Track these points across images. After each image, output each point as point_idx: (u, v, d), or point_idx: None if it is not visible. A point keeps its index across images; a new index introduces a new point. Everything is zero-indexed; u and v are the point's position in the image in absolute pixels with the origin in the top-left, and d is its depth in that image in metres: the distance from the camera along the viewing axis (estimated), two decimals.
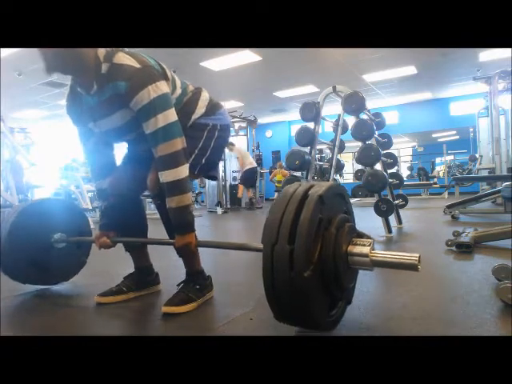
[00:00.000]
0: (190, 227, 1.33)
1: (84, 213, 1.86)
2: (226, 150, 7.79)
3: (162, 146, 1.25)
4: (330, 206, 0.98)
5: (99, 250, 1.52)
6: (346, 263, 0.99)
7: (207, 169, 1.50)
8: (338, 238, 0.97)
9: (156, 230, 1.71)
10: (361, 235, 1.04)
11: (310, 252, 0.89)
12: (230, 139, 7.62)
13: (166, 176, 1.26)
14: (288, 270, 0.87)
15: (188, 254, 1.39)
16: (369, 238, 1.03)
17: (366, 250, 0.98)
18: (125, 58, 1.23)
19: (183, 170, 1.27)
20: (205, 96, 1.49)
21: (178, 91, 1.40)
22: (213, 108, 1.49)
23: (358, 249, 0.99)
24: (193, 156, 1.40)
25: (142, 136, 1.31)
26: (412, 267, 0.94)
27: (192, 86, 1.50)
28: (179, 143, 1.26)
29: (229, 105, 9.13)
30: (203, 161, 1.45)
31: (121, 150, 1.59)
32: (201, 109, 1.45)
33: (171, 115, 1.26)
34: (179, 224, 1.31)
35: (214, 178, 1.61)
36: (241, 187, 8.03)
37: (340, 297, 1.06)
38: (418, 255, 0.95)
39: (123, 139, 1.45)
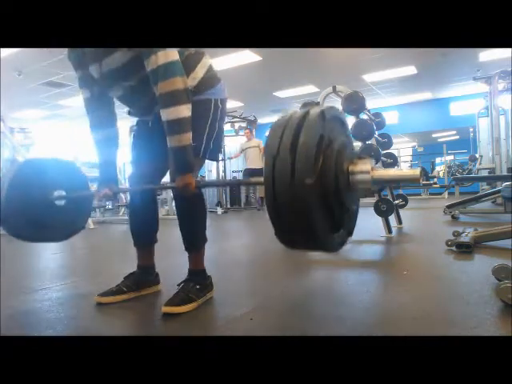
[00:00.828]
0: (190, 167, 1.32)
1: (82, 171, 1.84)
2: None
3: (162, 84, 1.24)
4: (331, 126, 0.96)
5: (100, 201, 1.53)
6: (347, 181, 0.97)
7: (214, 152, 1.48)
8: (339, 156, 0.95)
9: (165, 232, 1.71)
10: (362, 158, 1.04)
11: (311, 163, 0.87)
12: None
13: (167, 114, 1.26)
14: (289, 178, 0.85)
15: (187, 194, 1.35)
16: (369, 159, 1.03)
17: (367, 167, 0.97)
18: None
19: (184, 110, 1.27)
20: (205, 62, 1.46)
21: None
22: (211, 78, 1.46)
23: (359, 166, 0.98)
24: (203, 143, 1.40)
25: (142, 88, 1.32)
26: (414, 180, 0.95)
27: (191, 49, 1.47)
28: (180, 82, 1.25)
29: (229, 105, 9.08)
30: (211, 145, 1.45)
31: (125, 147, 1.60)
32: (199, 73, 1.42)
33: (172, 54, 1.25)
34: (179, 164, 1.31)
35: (217, 159, 1.62)
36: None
37: (341, 218, 1.03)
38: (419, 169, 0.96)
39: (121, 87, 1.42)
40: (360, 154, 1.07)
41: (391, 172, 0.98)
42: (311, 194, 0.87)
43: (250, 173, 7.45)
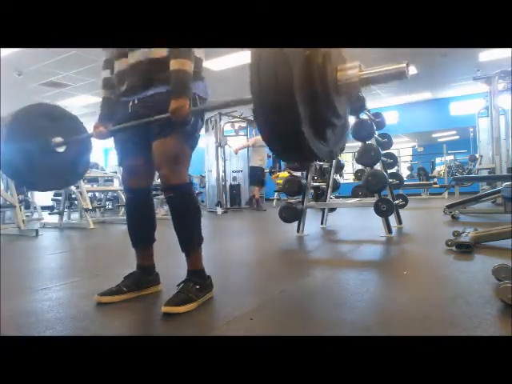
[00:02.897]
0: (187, 91, 1.33)
1: (76, 117, 1.83)
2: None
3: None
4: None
5: (96, 138, 1.56)
6: (335, 80, 0.96)
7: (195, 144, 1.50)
8: (326, 57, 0.95)
9: (164, 230, 1.71)
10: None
11: (297, 55, 0.87)
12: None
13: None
14: (274, 75, 0.85)
15: (181, 118, 1.33)
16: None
17: (354, 67, 0.98)
18: None
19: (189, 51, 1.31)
20: (199, 52, 1.46)
21: None
22: (196, 73, 1.43)
23: (346, 65, 0.99)
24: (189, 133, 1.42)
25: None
26: (400, 74, 0.94)
27: None
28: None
29: None
30: (196, 138, 1.48)
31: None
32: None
33: None
34: (177, 85, 1.32)
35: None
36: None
37: (331, 123, 1.02)
38: (405, 62, 0.96)
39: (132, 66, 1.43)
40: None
41: (377, 69, 0.97)
42: (295, 88, 0.85)
43: (261, 172, 7.37)
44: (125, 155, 1.56)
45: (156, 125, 1.37)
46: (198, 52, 1.45)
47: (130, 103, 1.46)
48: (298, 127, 0.88)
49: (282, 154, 0.98)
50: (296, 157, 1.01)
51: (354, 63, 0.98)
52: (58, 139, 1.66)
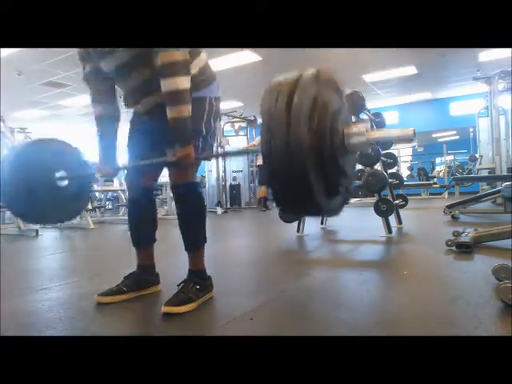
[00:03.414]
0: (189, 138, 1.33)
1: (82, 154, 1.85)
2: None
3: (163, 55, 1.25)
4: (325, 89, 0.96)
5: (101, 178, 1.56)
6: (343, 142, 0.97)
7: (209, 147, 1.50)
8: (334, 119, 0.95)
9: (165, 230, 1.71)
10: (357, 121, 1.04)
11: (306, 121, 0.87)
12: None
13: (167, 85, 1.27)
14: (285, 138, 0.85)
15: (187, 165, 1.37)
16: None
17: (362, 128, 0.97)
18: None
19: (183, 81, 1.27)
20: (202, 58, 1.46)
21: None
22: (207, 76, 1.47)
23: (354, 128, 0.98)
24: (199, 141, 1.41)
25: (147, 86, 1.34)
26: (407, 139, 0.96)
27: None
28: (180, 54, 1.26)
29: (229, 105, 9.13)
30: (208, 143, 1.46)
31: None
32: (195, 68, 1.41)
33: None
34: (179, 135, 1.32)
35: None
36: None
37: (338, 182, 1.03)
38: (413, 128, 0.97)
39: (130, 82, 1.43)
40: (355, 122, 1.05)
41: (385, 132, 0.99)
42: (307, 153, 0.86)
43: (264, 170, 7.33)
44: (134, 154, 1.57)
45: (169, 134, 1.36)
46: (200, 60, 1.45)
47: (145, 112, 1.49)
48: (311, 194, 0.91)
49: (291, 212, 1.00)
50: (305, 215, 1.03)
51: (361, 125, 0.98)
52: (61, 173, 1.68)
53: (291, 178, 0.88)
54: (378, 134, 0.98)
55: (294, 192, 0.93)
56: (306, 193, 0.90)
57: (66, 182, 1.68)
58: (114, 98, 1.56)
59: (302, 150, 0.85)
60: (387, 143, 3.72)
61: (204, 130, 1.42)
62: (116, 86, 1.54)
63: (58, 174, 1.65)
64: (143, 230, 1.61)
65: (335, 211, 1.04)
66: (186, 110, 1.29)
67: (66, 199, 1.70)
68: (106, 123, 1.55)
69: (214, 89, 1.48)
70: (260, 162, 7.34)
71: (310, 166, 0.88)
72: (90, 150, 1.85)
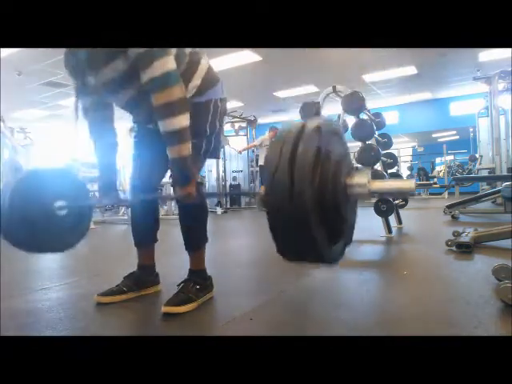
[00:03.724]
0: (190, 178, 1.32)
1: (84, 182, 1.85)
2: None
3: (159, 95, 1.23)
4: (327, 139, 0.98)
5: (104, 206, 1.56)
6: (345, 193, 0.99)
7: (215, 150, 1.49)
8: (336, 169, 0.97)
9: (165, 230, 1.71)
10: (359, 170, 1.06)
11: (309, 174, 0.89)
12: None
13: (165, 125, 1.25)
14: (288, 188, 0.87)
15: (189, 201, 1.36)
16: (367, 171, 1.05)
17: (364, 179, 1.00)
18: None
19: (182, 119, 1.25)
20: (204, 65, 1.45)
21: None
22: (211, 80, 1.46)
23: (356, 179, 1.00)
24: (203, 143, 1.40)
25: (142, 101, 1.31)
26: (408, 191, 0.99)
27: (188, 52, 1.43)
28: (178, 91, 1.23)
29: (229, 105, 9.10)
30: (212, 144, 1.46)
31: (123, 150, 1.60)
32: (198, 79, 1.41)
33: (169, 62, 1.23)
34: (180, 175, 1.31)
35: (219, 156, 1.61)
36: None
37: (339, 229, 1.05)
38: (414, 180, 1.01)
39: (120, 96, 1.41)
40: (358, 165, 1.10)
41: (387, 184, 1.02)
42: (310, 207, 0.89)
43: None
44: (139, 155, 1.57)
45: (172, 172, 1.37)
46: (204, 59, 1.45)
47: (150, 126, 1.49)
48: (314, 245, 0.94)
49: (293, 261, 1.04)
50: (306, 262, 1.06)
51: (362, 176, 1.00)
52: (60, 203, 1.67)
53: (294, 226, 0.91)
54: (379, 185, 1.02)
55: (296, 242, 0.95)
56: (308, 244, 0.93)
57: (65, 211, 1.69)
58: (112, 127, 1.53)
59: (305, 202, 0.88)
60: (387, 143, 3.73)
61: (208, 131, 1.43)
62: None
63: (57, 204, 1.66)
64: (145, 230, 1.61)
65: (337, 258, 1.07)
66: (186, 148, 1.27)
67: (65, 228, 1.71)
68: (107, 155, 1.53)
69: (218, 90, 1.48)
70: (262, 162, 7.37)
71: (312, 217, 0.90)
72: (90, 150, 1.85)
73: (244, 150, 7.96)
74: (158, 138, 1.43)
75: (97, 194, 1.61)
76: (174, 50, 1.34)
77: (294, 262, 1.04)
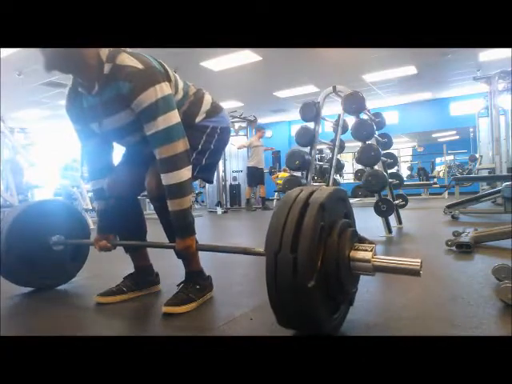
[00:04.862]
0: (191, 230, 1.33)
1: (83, 215, 1.86)
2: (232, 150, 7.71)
3: (163, 149, 1.24)
4: (330, 211, 0.98)
5: (99, 252, 1.52)
6: (349, 269, 0.99)
7: (205, 170, 1.48)
8: (340, 244, 0.97)
9: (155, 230, 1.71)
10: (362, 240, 1.04)
11: (312, 260, 0.90)
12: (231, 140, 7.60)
13: (168, 179, 1.26)
14: (292, 279, 0.87)
15: (188, 257, 1.40)
16: (371, 243, 1.03)
17: (368, 255, 0.98)
18: (128, 58, 1.22)
19: (185, 173, 1.27)
20: (207, 100, 1.48)
21: (180, 93, 1.39)
22: (214, 110, 1.49)
23: (360, 254, 0.99)
24: (192, 157, 1.38)
25: (144, 138, 1.31)
26: (414, 273, 0.95)
27: (194, 86, 1.48)
28: (181, 145, 1.26)
29: (229, 105, 9.13)
30: (203, 162, 1.44)
31: (119, 150, 1.59)
32: (202, 114, 1.45)
33: (173, 117, 1.25)
34: (180, 227, 1.31)
35: (211, 181, 1.59)
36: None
37: (343, 300, 1.07)
38: (419, 261, 0.95)
39: (125, 140, 1.44)
40: (360, 237, 1.08)
41: (391, 262, 0.99)
42: (314, 296, 0.89)
43: (254, 171, 7.42)
44: (121, 163, 1.55)
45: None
46: (205, 105, 1.46)
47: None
48: (316, 321, 0.95)
49: (288, 327, 1.05)
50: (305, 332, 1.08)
51: (366, 250, 0.99)
52: (57, 238, 1.68)
53: (295, 307, 0.91)
54: (383, 263, 0.98)
55: (299, 321, 0.96)
56: (308, 318, 0.93)
57: (62, 247, 1.69)
58: (111, 171, 1.51)
59: (307, 293, 0.88)
60: (387, 143, 3.73)
61: (200, 148, 1.42)
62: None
63: (54, 238, 1.66)
64: (131, 236, 1.56)
65: (338, 327, 1.07)
66: (187, 201, 1.29)
67: (62, 263, 1.72)
68: (105, 197, 1.49)
69: (220, 118, 1.49)
70: (251, 163, 7.42)
71: (315, 301, 0.90)
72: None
73: (240, 147, 7.99)
74: (145, 158, 1.42)
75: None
76: (180, 93, 1.38)
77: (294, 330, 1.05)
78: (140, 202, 1.69)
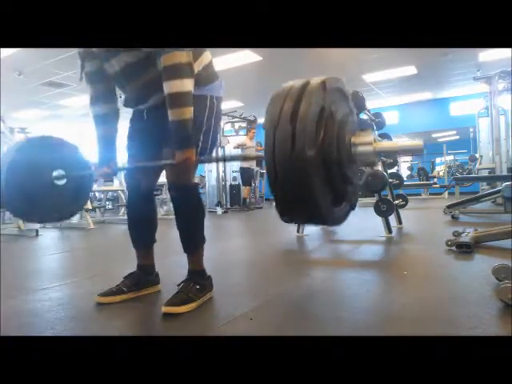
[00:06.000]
0: (190, 142, 1.31)
1: (81, 152, 1.84)
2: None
3: (167, 56, 1.25)
4: (332, 97, 0.95)
5: (100, 178, 1.54)
6: (349, 152, 0.96)
7: (211, 148, 1.48)
8: (341, 128, 0.94)
9: (164, 230, 1.71)
10: (365, 129, 1.02)
11: (311, 135, 0.86)
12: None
13: (169, 87, 1.26)
14: (290, 149, 0.84)
15: (186, 169, 1.36)
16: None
17: (369, 138, 0.96)
18: None
19: (187, 83, 1.27)
20: (207, 56, 1.45)
21: None
22: (211, 76, 1.46)
23: (361, 138, 0.97)
24: (201, 136, 1.39)
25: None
26: (417, 150, 0.94)
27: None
28: (184, 56, 1.26)
29: (229, 105, 9.13)
30: (209, 141, 1.44)
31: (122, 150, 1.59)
32: (199, 65, 1.40)
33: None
34: (180, 138, 1.30)
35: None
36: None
37: (343, 191, 1.02)
38: (421, 141, 0.96)
39: (134, 85, 1.42)
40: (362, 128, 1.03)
41: (393, 143, 0.97)
42: (312, 166, 0.86)
43: (246, 171, 7.50)
44: (134, 155, 1.56)
45: (170, 135, 1.34)
46: (205, 58, 1.44)
47: (145, 110, 1.48)
48: (316, 205, 0.90)
49: (295, 222, 1.00)
50: (308, 224, 1.02)
51: (367, 135, 0.97)
52: (58, 172, 1.67)
53: (295, 187, 0.87)
54: (385, 144, 0.97)
55: (298, 202, 0.91)
56: (310, 203, 0.89)
57: (64, 181, 1.68)
58: (114, 98, 1.55)
59: (307, 163, 0.84)
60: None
61: (204, 128, 1.42)
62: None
63: (55, 173, 1.65)
64: (143, 231, 1.60)
65: (339, 220, 1.03)
66: (188, 112, 1.28)
67: (64, 198, 1.70)
68: (106, 123, 1.54)
69: (215, 88, 1.47)
70: (244, 164, 7.46)
71: (315, 176, 0.87)
72: (89, 150, 1.85)
73: (237, 146, 8.02)
74: (152, 130, 1.42)
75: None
76: None
77: (294, 222, 1.00)
78: (154, 199, 1.71)
